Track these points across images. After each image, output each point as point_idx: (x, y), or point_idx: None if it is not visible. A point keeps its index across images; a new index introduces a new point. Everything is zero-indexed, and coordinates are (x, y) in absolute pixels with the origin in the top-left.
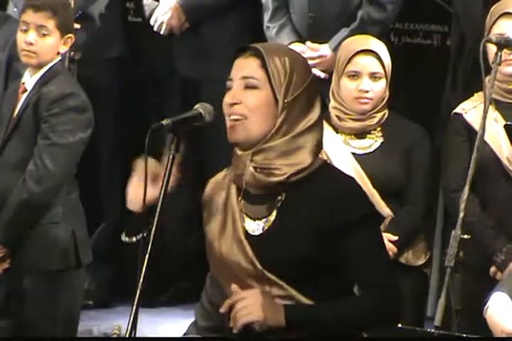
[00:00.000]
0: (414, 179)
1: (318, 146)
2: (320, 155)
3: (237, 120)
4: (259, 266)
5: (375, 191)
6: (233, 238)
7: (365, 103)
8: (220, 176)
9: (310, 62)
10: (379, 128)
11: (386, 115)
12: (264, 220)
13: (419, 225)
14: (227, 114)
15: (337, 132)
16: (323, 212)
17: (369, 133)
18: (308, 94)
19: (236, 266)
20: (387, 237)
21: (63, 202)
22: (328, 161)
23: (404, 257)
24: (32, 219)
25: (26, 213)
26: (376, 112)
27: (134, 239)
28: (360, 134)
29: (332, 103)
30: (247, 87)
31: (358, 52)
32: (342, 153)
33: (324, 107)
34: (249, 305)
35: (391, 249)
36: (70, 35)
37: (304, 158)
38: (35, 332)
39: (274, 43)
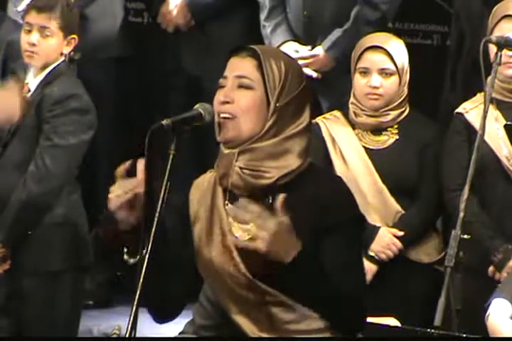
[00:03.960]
0: (426, 177)
1: (307, 150)
2: (334, 149)
3: (227, 118)
4: (248, 274)
5: (384, 187)
6: (222, 244)
7: (376, 99)
8: (204, 178)
9: (302, 61)
10: (395, 126)
11: (405, 113)
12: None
13: (429, 222)
14: (217, 111)
15: (353, 128)
16: (311, 215)
17: (385, 130)
18: (300, 99)
19: (226, 273)
20: (394, 233)
21: (65, 203)
22: (340, 155)
23: (414, 254)
24: (33, 220)
25: (27, 214)
26: (391, 109)
27: (138, 258)
28: (376, 131)
29: (351, 99)
30: (241, 86)
31: (367, 49)
32: (354, 147)
33: (318, 108)
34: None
35: (395, 244)
36: (73, 35)
37: (291, 161)
38: (35, 333)
39: (271, 47)
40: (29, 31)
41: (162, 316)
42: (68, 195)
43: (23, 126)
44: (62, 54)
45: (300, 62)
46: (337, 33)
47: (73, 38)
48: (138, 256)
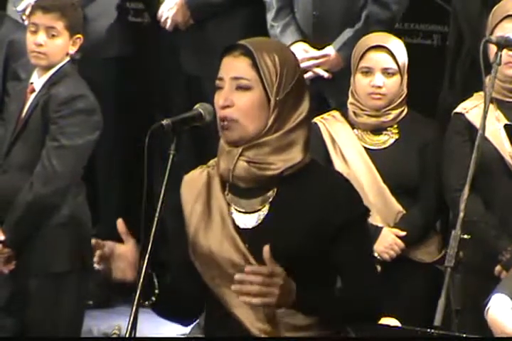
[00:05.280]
0: (427, 176)
1: (308, 143)
2: (334, 149)
3: (230, 122)
4: (253, 261)
5: (385, 187)
6: (223, 233)
7: (379, 99)
8: (196, 172)
9: (313, 61)
10: (395, 126)
11: (404, 113)
12: (256, 214)
13: (431, 222)
14: (219, 115)
15: (353, 128)
16: (314, 207)
17: (385, 129)
18: (298, 88)
19: (227, 262)
20: (395, 233)
21: (70, 204)
22: (341, 155)
23: (415, 254)
24: (38, 221)
25: (33, 214)
26: (392, 109)
27: (151, 300)
28: (376, 131)
29: (350, 99)
30: (239, 87)
31: (370, 49)
32: (354, 147)
33: (325, 105)
34: (272, 286)
35: (398, 244)
36: (78, 35)
37: (296, 154)
38: (38, 333)
39: (263, 39)
40: (35, 32)
41: (186, 320)
42: (74, 196)
43: (29, 126)
44: (67, 54)
45: (311, 62)
46: (348, 33)
47: (78, 38)
48: (153, 298)
